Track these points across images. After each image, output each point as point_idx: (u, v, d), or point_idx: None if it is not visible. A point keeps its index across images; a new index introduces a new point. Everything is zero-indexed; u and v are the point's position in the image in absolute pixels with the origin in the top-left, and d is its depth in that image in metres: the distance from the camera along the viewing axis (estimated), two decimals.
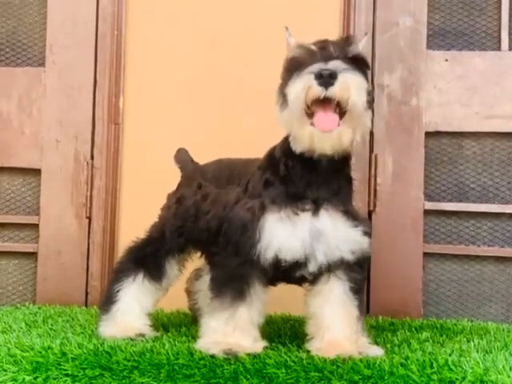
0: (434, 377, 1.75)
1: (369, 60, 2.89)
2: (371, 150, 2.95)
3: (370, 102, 1.94)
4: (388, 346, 2.12)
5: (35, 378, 1.83)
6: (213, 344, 1.92)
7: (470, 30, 3.02)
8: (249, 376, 1.79)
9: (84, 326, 2.44)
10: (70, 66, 3.12)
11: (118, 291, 2.26)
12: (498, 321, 2.86)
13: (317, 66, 1.82)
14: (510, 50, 2.96)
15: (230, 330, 1.94)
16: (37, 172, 3.13)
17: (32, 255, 3.13)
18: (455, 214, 2.97)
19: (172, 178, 2.44)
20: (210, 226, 2.13)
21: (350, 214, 1.98)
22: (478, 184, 2.97)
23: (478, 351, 2.05)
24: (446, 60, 2.97)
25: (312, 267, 1.96)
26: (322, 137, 1.87)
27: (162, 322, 2.52)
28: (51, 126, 3.12)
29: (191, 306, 2.57)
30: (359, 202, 2.90)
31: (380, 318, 2.76)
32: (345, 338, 1.96)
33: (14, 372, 1.84)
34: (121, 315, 2.23)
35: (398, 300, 2.88)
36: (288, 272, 1.99)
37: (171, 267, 2.31)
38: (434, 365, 1.80)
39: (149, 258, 2.29)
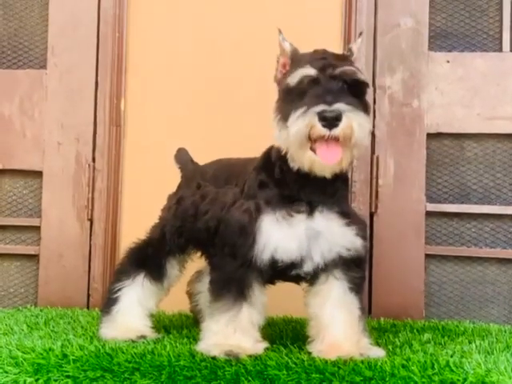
0: (436, 378, 1.75)
1: (370, 61, 2.94)
2: (373, 152, 2.95)
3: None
4: (389, 347, 2.11)
5: (36, 380, 1.83)
6: (214, 346, 1.93)
7: (472, 32, 3.02)
8: (250, 378, 1.79)
9: (85, 328, 2.44)
10: (71, 68, 3.12)
11: (119, 292, 2.27)
12: (500, 322, 2.85)
13: (321, 108, 1.82)
14: (511, 51, 2.95)
15: (231, 332, 1.95)
16: (38, 174, 3.13)
17: (34, 257, 3.13)
18: (457, 215, 2.97)
19: (173, 179, 2.45)
20: (208, 226, 2.14)
21: (345, 215, 1.99)
22: (479, 185, 2.97)
23: (479, 352, 2.05)
24: (448, 61, 2.97)
25: (307, 267, 1.98)
26: (324, 165, 1.89)
27: (163, 324, 2.52)
28: (53, 129, 3.12)
29: (192, 308, 2.57)
30: (361, 204, 2.90)
31: (382, 319, 2.75)
32: (345, 340, 1.96)
33: (15, 374, 1.85)
34: (122, 316, 2.24)
35: (399, 301, 2.88)
36: (284, 271, 2.00)
37: (172, 267, 2.31)
38: (436, 366, 1.80)
39: (150, 259, 2.29)
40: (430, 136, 2.96)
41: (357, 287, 2.02)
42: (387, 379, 1.76)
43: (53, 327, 2.45)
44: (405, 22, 2.98)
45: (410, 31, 2.97)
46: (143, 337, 2.18)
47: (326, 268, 1.98)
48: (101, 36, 3.12)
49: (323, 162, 1.87)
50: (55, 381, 1.83)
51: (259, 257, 1.94)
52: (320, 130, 1.83)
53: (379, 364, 1.82)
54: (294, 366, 1.82)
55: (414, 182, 2.93)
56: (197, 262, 2.42)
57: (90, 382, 1.82)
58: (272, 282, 2.10)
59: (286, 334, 2.37)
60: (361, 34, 2.18)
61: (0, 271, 3.16)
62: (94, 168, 3.09)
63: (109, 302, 2.28)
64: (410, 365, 1.81)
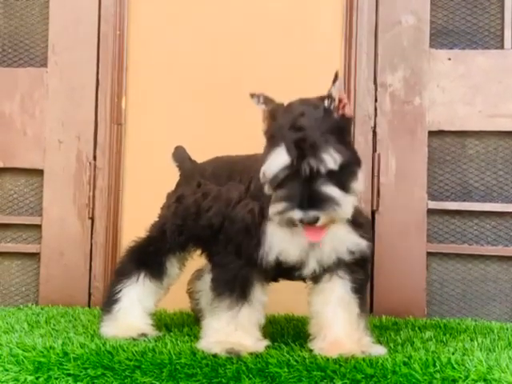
0: (437, 375, 1.75)
1: (372, 59, 2.93)
2: (374, 150, 2.94)
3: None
4: (391, 345, 2.11)
5: (37, 378, 1.83)
6: (215, 343, 1.93)
7: (473, 29, 3.01)
8: (251, 375, 1.79)
9: (86, 326, 2.44)
10: (72, 67, 3.12)
11: (119, 291, 2.27)
12: (502, 320, 2.85)
13: (297, 215, 1.79)
14: None
15: (232, 330, 1.96)
16: (39, 173, 3.13)
17: (35, 256, 3.13)
18: (459, 213, 2.96)
19: (174, 177, 2.45)
20: (212, 223, 2.14)
21: (349, 220, 1.97)
22: (481, 183, 2.96)
23: (481, 350, 2.04)
24: (449, 59, 2.96)
25: (306, 271, 1.99)
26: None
27: (164, 323, 2.52)
28: (53, 127, 3.11)
29: (193, 306, 2.57)
30: (362, 202, 2.89)
31: (383, 317, 2.75)
32: (347, 337, 1.96)
33: (15, 372, 1.85)
34: (123, 315, 2.24)
35: (401, 299, 2.87)
36: (287, 272, 2.03)
37: (172, 266, 2.31)
38: (437, 363, 1.80)
39: (150, 257, 2.29)
40: (431, 134, 2.95)
41: (359, 287, 2.03)
42: (389, 377, 1.76)
43: (54, 325, 2.45)
44: (406, 20, 2.97)
45: (411, 29, 2.97)
46: (144, 335, 2.18)
47: (330, 268, 1.99)
48: (101, 34, 3.12)
49: (311, 240, 1.87)
50: (56, 379, 1.83)
51: (265, 258, 1.95)
52: (300, 225, 1.82)
53: (380, 361, 1.82)
54: (295, 363, 1.82)
55: (415, 179, 2.93)
56: (197, 261, 2.42)
57: (91, 379, 1.82)
58: (276, 280, 2.11)
59: (288, 331, 2.37)
60: (336, 76, 1.91)
61: (1, 270, 3.16)
62: (94, 166, 3.09)
63: (109, 301, 2.28)
64: (412, 362, 1.81)
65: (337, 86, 1.89)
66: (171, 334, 2.27)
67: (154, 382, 1.81)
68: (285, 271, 2.02)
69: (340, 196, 1.81)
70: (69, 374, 1.83)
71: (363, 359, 1.83)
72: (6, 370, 1.85)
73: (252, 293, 1.99)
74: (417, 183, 2.93)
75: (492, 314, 2.92)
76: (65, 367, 1.84)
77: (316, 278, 2.04)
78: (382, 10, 2.98)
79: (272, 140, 1.89)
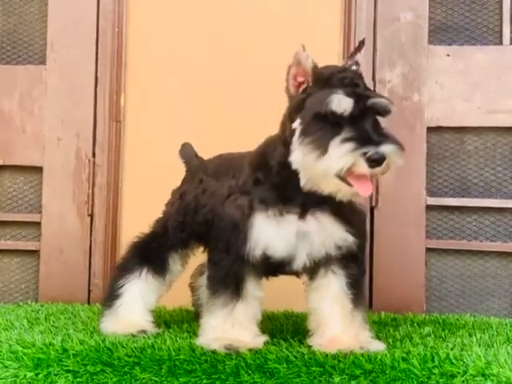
0: (436, 371, 1.75)
1: (370, 55, 2.93)
2: None
3: None
4: (390, 340, 2.11)
5: (36, 375, 1.83)
6: (213, 340, 1.93)
7: (472, 25, 3.02)
8: (250, 371, 1.79)
9: (86, 323, 2.44)
10: (71, 64, 3.12)
11: (121, 286, 2.27)
12: (501, 316, 2.85)
13: (370, 150, 1.78)
14: (511, 44, 2.94)
15: (229, 327, 1.96)
16: (38, 170, 3.13)
17: (34, 253, 3.13)
18: (457, 209, 2.96)
19: (174, 175, 2.43)
20: (207, 219, 2.14)
21: (339, 214, 1.97)
22: (480, 179, 2.96)
23: (479, 345, 2.04)
24: (448, 55, 2.96)
25: (297, 265, 1.99)
26: (353, 194, 1.87)
27: (164, 319, 2.53)
28: (53, 124, 3.12)
29: (194, 301, 2.57)
30: (361, 198, 2.89)
31: (382, 313, 2.75)
32: (344, 334, 1.97)
33: (15, 368, 1.85)
34: (124, 310, 2.24)
35: (400, 295, 2.88)
36: (277, 267, 2.02)
37: (174, 262, 2.32)
38: (436, 359, 1.80)
39: (153, 253, 2.30)
40: (430, 130, 2.95)
41: (355, 282, 2.03)
42: (387, 372, 1.76)
43: (53, 322, 2.45)
44: (404, 16, 2.97)
45: (409, 25, 2.97)
46: (144, 331, 2.18)
47: (324, 262, 1.99)
48: (100, 31, 3.12)
49: (362, 194, 1.85)
50: (55, 375, 1.83)
51: (251, 253, 1.95)
52: (364, 169, 1.80)
53: (379, 357, 1.82)
54: (294, 359, 1.83)
55: (414, 175, 2.93)
56: (199, 258, 2.42)
57: (90, 376, 1.82)
58: (274, 275, 2.12)
59: (287, 328, 2.37)
60: (363, 43, 2.04)
61: (1, 267, 3.16)
62: (94, 163, 3.09)
63: (111, 296, 2.28)
64: (410, 358, 1.81)
65: (362, 53, 1.99)
66: (170, 330, 2.27)
67: (153, 378, 1.81)
68: (275, 266, 2.01)
69: (400, 151, 1.87)
70: (68, 371, 1.83)
71: (362, 355, 1.84)
72: (6, 367, 1.85)
73: (245, 289, 1.99)
74: (415, 179, 2.93)
75: (491, 309, 2.93)
76: (64, 363, 1.84)
77: (311, 274, 2.04)
78: (380, 7, 2.98)
79: (323, 88, 1.88)
